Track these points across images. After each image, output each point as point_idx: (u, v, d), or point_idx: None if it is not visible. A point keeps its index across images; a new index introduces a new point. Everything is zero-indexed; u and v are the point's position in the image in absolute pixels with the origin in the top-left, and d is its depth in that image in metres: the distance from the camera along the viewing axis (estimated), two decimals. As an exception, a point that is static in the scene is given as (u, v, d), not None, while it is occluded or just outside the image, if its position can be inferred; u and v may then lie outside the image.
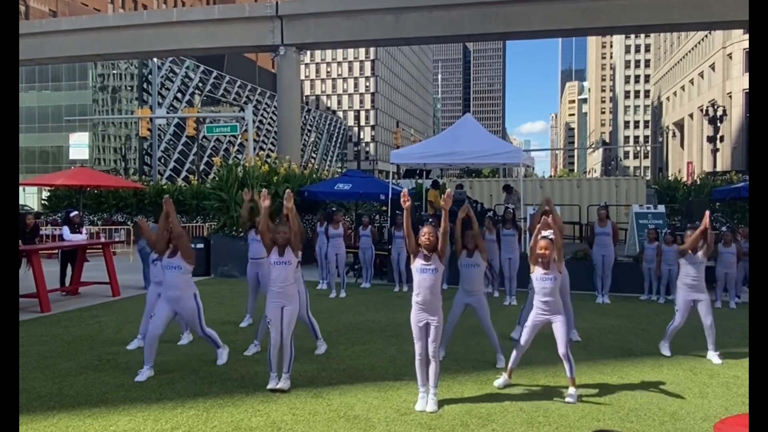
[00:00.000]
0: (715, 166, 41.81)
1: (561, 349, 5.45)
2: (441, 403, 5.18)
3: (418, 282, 5.09)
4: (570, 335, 7.17)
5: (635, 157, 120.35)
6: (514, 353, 5.75)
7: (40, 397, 5.39)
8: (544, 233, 5.56)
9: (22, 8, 57.04)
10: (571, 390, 5.41)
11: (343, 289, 11.28)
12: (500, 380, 5.79)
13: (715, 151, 41.89)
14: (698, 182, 20.52)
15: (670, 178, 23.83)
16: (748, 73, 53.53)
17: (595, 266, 10.99)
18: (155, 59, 54.15)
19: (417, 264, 5.08)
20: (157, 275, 7.04)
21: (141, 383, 5.78)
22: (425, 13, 29.10)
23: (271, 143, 67.59)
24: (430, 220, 5.82)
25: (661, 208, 14.36)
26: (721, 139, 44.14)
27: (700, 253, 6.85)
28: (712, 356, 6.81)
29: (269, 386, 5.53)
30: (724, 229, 11.31)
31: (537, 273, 5.56)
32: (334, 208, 13.36)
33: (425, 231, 5.05)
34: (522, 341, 5.67)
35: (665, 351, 7.01)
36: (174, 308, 6.09)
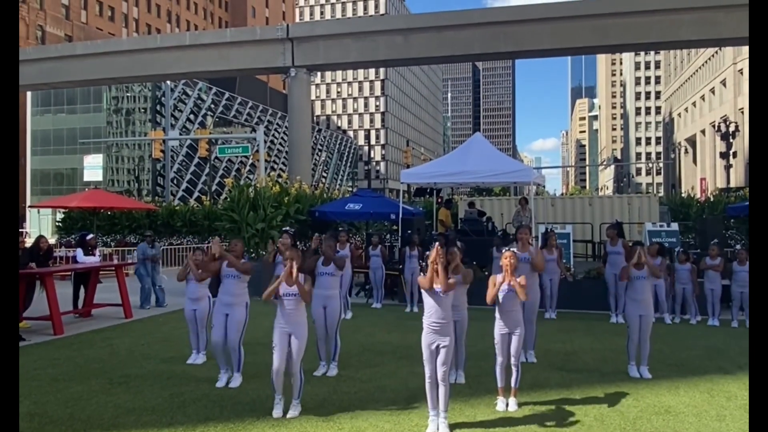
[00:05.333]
0: (728, 182, 41.45)
1: (512, 360, 5.78)
2: (453, 427, 5.12)
3: (428, 303, 5.06)
4: (527, 356, 7.31)
5: (647, 173, 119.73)
6: (497, 371, 5.83)
7: (53, 421, 5.39)
8: (507, 248, 5.92)
9: (38, 33, 58.21)
10: (512, 399, 5.74)
11: (348, 310, 11.02)
12: (499, 404, 5.74)
13: (728, 167, 41.57)
14: (712, 199, 20.29)
15: (683, 195, 23.60)
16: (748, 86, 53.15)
17: (608, 285, 10.90)
18: (168, 82, 54.88)
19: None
20: (192, 293, 7.56)
21: (152, 407, 5.76)
22: (434, 33, 29.34)
23: (283, 163, 67.94)
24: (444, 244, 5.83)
25: (675, 226, 14.22)
26: (734, 155, 43.78)
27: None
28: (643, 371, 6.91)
29: (274, 413, 5.47)
30: (738, 247, 11.17)
31: (499, 284, 5.80)
32: (341, 228, 13.38)
33: (432, 255, 5.01)
34: (499, 358, 5.84)
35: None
36: (226, 313, 6.44)
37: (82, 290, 11.80)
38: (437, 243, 5.27)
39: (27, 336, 9.26)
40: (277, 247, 8.44)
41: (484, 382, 6.49)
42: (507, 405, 5.71)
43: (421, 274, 5.13)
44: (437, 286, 4.98)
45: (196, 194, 57.37)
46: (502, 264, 5.77)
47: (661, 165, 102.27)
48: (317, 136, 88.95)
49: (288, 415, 5.46)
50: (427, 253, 5.11)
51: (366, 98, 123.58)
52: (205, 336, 7.63)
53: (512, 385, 5.78)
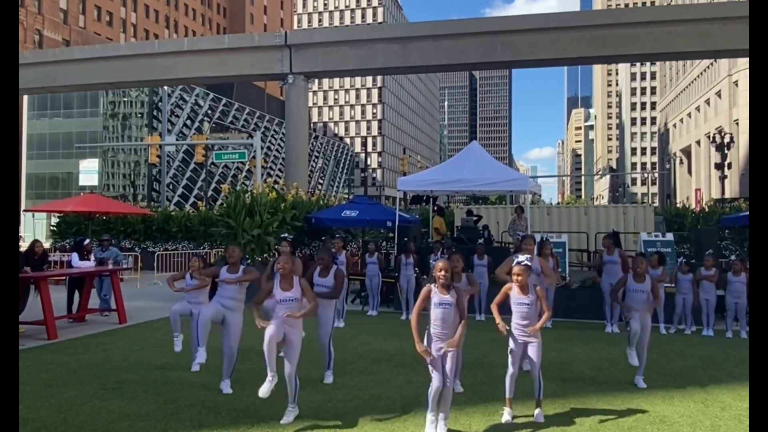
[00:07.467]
0: (723, 192, 41.67)
1: (533, 371, 5.67)
2: (449, 436, 5.11)
3: (435, 315, 5.05)
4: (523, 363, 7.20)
5: (643, 183, 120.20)
6: (507, 381, 5.66)
7: (46, 426, 5.36)
8: (520, 258, 5.71)
9: (36, 37, 58.21)
10: (537, 411, 5.64)
11: (342, 318, 10.92)
12: (505, 415, 5.66)
13: (723, 178, 41.80)
14: (706, 209, 20.34)
15: (678, 205, 23.67)
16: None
17: (604, 295, 10.91)
18: (165, 87, 54.89)
19: (434, 298, 5.04)
20: (192, 296, 7.08)
21: (146, 413, 5.73)
22: (432, 42, 29.48)
23: (279, 169, 67.99)
24: (442, 251, 5.84)
25: (670, 236, 14.27)
26: (729, 166, 44.07)
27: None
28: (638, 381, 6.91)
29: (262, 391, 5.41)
30: (733, 257, 11.21)
31: (514, 296, 5.67)
32: (337, 236, 13.37)
33: (440, 266, 5.01)
34: (511, 369, 5.66)
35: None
36: (223, 314, 6.44)
37: (76, 295, 11.76)
38: (443, 255, 5.24)
39: (21, 340, 9.21)
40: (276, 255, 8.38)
41: (479, 391, 6.49)
42: (513, 417, 5.63)
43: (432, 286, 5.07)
44: (444, 296, 4.99)
45: (191, 200, 57.34)
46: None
47: (656, 175, 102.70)
48: (314, 143, 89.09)
49: (282, 421, 5.46)
50: (433, 260, 5.09)
51: (363, 106, 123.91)
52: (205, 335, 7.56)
53: (535, 395, 5.68)
